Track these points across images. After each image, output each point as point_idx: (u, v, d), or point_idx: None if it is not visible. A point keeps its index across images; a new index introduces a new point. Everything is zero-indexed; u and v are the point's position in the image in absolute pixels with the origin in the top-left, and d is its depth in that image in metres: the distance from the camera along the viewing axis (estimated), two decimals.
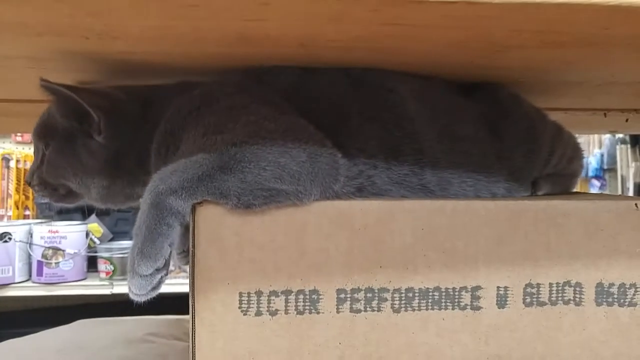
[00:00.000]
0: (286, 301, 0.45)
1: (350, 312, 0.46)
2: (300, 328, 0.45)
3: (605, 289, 0.47)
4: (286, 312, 0.45)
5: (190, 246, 0.45)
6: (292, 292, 0.45)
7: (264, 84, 0.50)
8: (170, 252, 0.43)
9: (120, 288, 1.97)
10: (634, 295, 0.47)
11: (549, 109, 0.66)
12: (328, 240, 0.45)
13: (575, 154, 0.64)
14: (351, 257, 0.46)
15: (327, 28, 0.35)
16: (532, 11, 0.30)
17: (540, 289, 0.47)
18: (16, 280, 1.93)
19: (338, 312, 0.46)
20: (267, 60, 0.47)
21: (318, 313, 0.45)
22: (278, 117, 0.46)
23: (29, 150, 2.40)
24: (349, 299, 0.46)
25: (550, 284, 0.47)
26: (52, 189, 0.54)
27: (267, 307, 0.45)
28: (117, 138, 0.51)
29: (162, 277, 0.43)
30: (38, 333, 0.93)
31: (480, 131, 0.55)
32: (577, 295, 0.47)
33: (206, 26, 0.35)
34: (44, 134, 0.53)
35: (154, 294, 0.43)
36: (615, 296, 0.47)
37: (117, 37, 0.38)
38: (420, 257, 0.46)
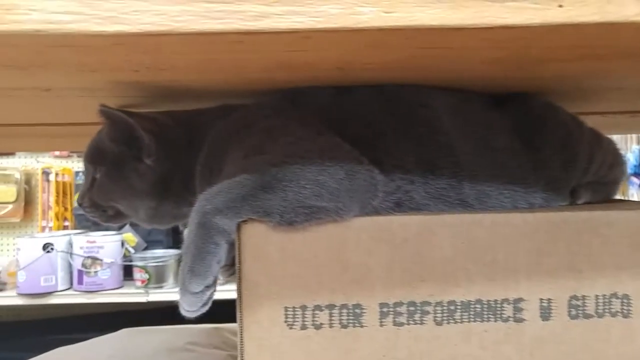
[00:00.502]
0: (330, 315, 0.46)
1: (393, 325, 0.47)
2: (345, 341, 0.46)
3: None
4: (330, 325, 0.46)
5: (237, 262, 0.46)
6: (336, 306, 0.46)
7: (299, 105, 0.52)
8: (218, 269, 0.45)
9: (155, 296, 2.02)
10: None
11: (585, 114, 0.65)
12: (369, 255, 0.46)
13: (616, 160, 0.63)
14: (392, 272, 0.46)
15: (364, 53, 0.37)
16: (570, 31, 0.31)
17: (586, 301, 0.47)
18: (59, 289, 2.00)
19: (381, 325, 0.47)
20: (305, 82, 0.48)
21: (362, 327, 0.46)
22: (315, 137, 0.48)
23: (67, 164, 2.49)
24: (391, 312, 0.47)
25: (597, 296, 0.47)
26: (102, 210, 0.57)
27: (312, 321, 0.46)
28: (164, 161, 0.54)
29: (211, 294, 0.45)
30: (86, 342, 0.97)
31: (515, 142, 0.55)
32: (625, 307, 0.47)
33: (250, 57, 0.37)
34: (95, 159, 0.56)
35: (204, 310, 0.45)
36: None
37: (164, 69, 0.41)
38: (461, 270, 0.47)
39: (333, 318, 0.46)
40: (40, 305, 1.99)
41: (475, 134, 0.53)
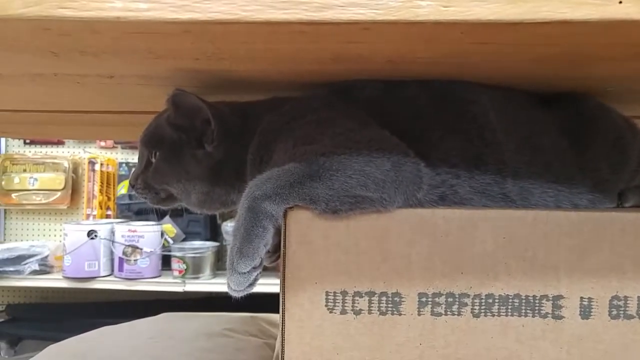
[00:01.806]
0: (369, 302, 0.48)
1: (431, 315, 0.48)
2: (383, 328, 0.48)
3: None
4: (369, 312, 0.48)
5: (282, 247, 0.48)
6: (376, 293, 0.48)
7: (348, 98, 0.53)
8: (265, 251, 0.47)
9: (192, 286, 2.08)
10: None
11: (638, 117, 0.64)
12: (410, 246, 0.47)
13: None
14: (432, 263, 0.47)
15: (418, 47, 0.38)
16: (628, 28, 0.31)
17: (628, 302, 0.47)
18: (101, 274, 2.08)
19: (419, 314, 0.48)
20: (354, 75, 0.50)
21: (400, 314, 0.48)
22: (362, 129, 0.49)
23: (111, 155, 2.58)
24: (430, 302, 0.48)
25: (639, 297, 0.47)
26: (155, 192, 0.60)
27: (352, 306, 0.48)
28: (221, 148, 0.56)
29: (257, 275, 0.47)
30: (127, 323, 1.01)
31: (562, 142, 0.55)
32: None
33: (307, 48, 0.39)
34: (152, 143, 0.59)
35: (250, 290, 0.47)
36: None
37: (224, 58, 0.43)
38: (501, 265, 0.47)
39: (372, 305, 0.48)
40: (84, 289, 2.08)
41: (521, 132, 0.54)
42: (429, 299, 0.48)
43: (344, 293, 0.48)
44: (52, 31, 0.35)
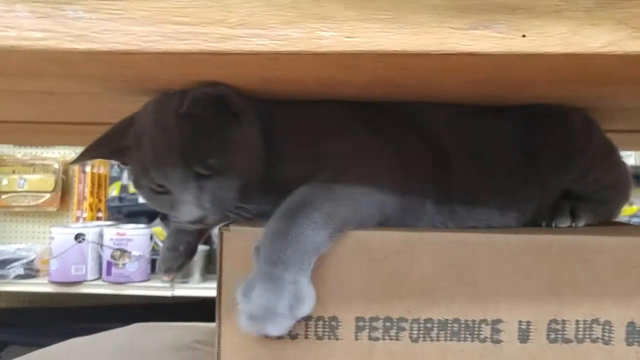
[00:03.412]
0: (306, 326, 0.47)
1: (368, 339, 0.47)
2: (319, 353, 0.47)
3: (637, 328, 0.45)
4: (306, 336, 0.47)
5: (218, 270, 0.48)
6: (312, 317, 0.47)
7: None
8: None
9: (180, 291, 2.07)
10: None
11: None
12: (347, 269, 0.47)
13: (618, 183, 0.62)
14: (370, 286, 0.47)
15: (339, 74, 0.37)
16: (533, 59, 0.31)
17: (566, 325, 0.46)
18: (88, 278, 2.07)
19: (357, 339, 0.47)
20: (290, 95, 0.49)
21: (337, 339, 0.47)
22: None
23: None
24: (367, 326, 0.47)
25: (577, 321, 0.46)
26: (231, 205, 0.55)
27: (288, 331, 0.47)
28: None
29: None
30: (97, 334, 1.01)
31: (513, 150, 0.56)
32: (607, 334, 0.46)
33: (222, 73, 0.39)
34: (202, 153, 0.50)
35: None
36: None
37: (149, 80, 0.43)
38: (439, 289, 0.47)
39: (309, 329, 0.47)
40: (70, 293, 2.07)
41: (469, 145, 0.55)
42: (367, 323, 0.47)
43: None
44: None
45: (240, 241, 0.47)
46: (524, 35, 0.30)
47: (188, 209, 0.47)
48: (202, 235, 0.63)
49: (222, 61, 0.34)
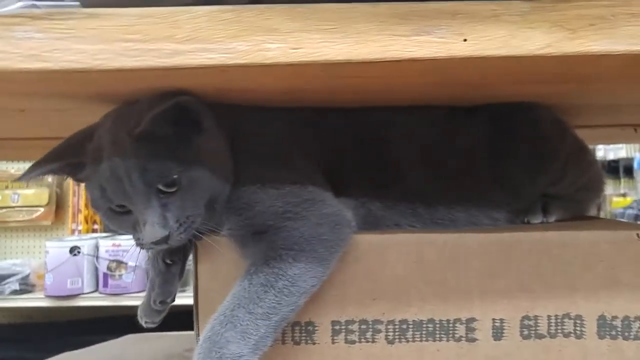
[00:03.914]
0: (283, 332, 0.47)
1: (345, 343, 0.47)
2: (297, 357, 0.47)
3: (608, 321, 0.46)
4: (283, 342, 0.47)
5: (194, 280, 0.49)
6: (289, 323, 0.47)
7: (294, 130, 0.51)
8: None
9: (178, 299, 2.06)
10: (639, 328, 0.45)
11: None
12: None
13: (591, 184, 0.61)
14: (344, 290, 0.47)
15: (294, 82, 0.38)
16: (477, 62, 0.31)
17: (539, 321, 0.46)
18: (85, 291, 2.07)
19: (333, 342, 0.47)
20: (257, 102, 0.49)
21: (314, 344, 0.47)
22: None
23: None
24: (343, 330, 0.47)
25: (549, 317, 0.46)
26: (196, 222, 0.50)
27: None
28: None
29: None
30: (90, 347, 1.01)
31: (480, 154, 0.55)
32: (578, 328, 0.46)
33: (183, 84, 0.39)
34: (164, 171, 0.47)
35: None
36: (619, 329, 0.46)
37: (111, 94, 0.43)
38: (413, 289, 0.47)
39: (286, 335, 0.47)
40: (67, 307, 2.06)
41: (432, 151, 0.54)
42: (343, 327, 0.47)
43: None
44: None
45: (215, 250, 0.47)
46: (465, 40, 0.30)
47: (151, 230, 0.43)
48: (179, 279, 0.61)
49: (176, 75, 0.35)
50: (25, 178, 0.46)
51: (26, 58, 0.31)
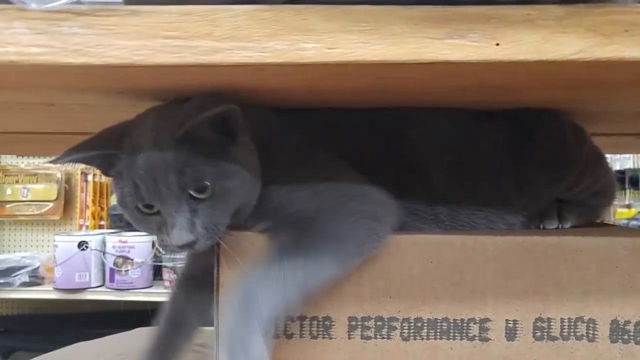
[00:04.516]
0: (301, 326, 0.48)
1: (361, 338, 0.48)
2: (314, 351, 0.48)
3: (621, 326, 0.47)
4: (301, 336, 0.48)
5: (215, 274, 0.49)
6: (307, 317, 0.48)
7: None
8: None
9: None
10: None
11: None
12: None
13: (604, 190, 0.62)
14: (361, 287, 0.48)
15: (324, 82, 0.39)
16: (508, 66, 0.32)
17: (552, 323, 0.47)
18: (92, 285, 2.09)
19: (349, 337, 0.48)
20: (283, 103, 0.50)
21: (331, 338, 0.48)
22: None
23: None
24: (359, 326, 0.48)
25: (562, 319, 0.47)
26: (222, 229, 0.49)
27: (284, 330, 0.48)
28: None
29: None
30: (101, 338, 1.02)
31: (501, 158, 0.56)
32: (591, 332, 0.47)
33: (217, 82, 0.40)
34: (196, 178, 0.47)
35: None
36: (632, 334, 0.46)
37: (147, 90, 0.44)
38: (428, 289, 0.48)
39: (304, 329, 0.48)
40: (75, 300, 2.09)
41: (454, 155, 0.55)
42: (359, 323, 0.48)
43: None
44: None
45: (237, 249, 0.48)
46: (497, 44, 0.31)
47: (179, 234, 0.44)
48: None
49: (212, 72, 0.36)
50: (59, 161, 0.46)
51: (71, 53, 0.32)
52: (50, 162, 0.46)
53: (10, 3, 0.31)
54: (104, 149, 0.46)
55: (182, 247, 0.45)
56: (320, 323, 0.48)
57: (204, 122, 0.41)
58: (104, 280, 2.15)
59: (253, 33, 0.32)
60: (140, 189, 0.44)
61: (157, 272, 2.21)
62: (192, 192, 0.44)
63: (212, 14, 0.32)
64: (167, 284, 2.14)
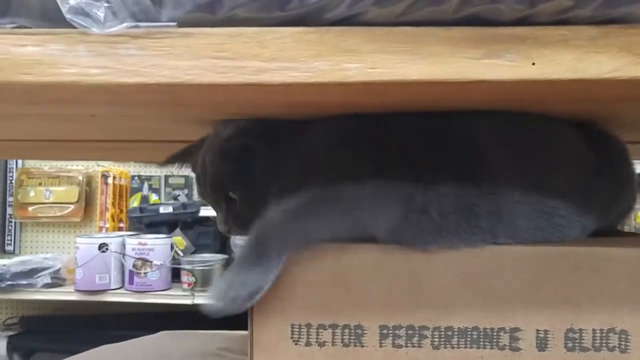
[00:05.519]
0: (333, 334, 0.49)
1: (392, 346, 0.49)
2: (346, 359, 0.49)
3: None
4: (333, 344, 0.49)
5: None
6: (339, 326, 0.49)
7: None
8: None
9: (201, 299, 2.11)
10: None
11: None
12: (371, 280, 0.49)
13: (634, 204, 0.61)
14: (392, 296, 0.49)
15: (361, 97, 0.40)
16: (544, 85, 0.33)
17: (583, 334, 0.48)
18: (112, 287, 2.13)
19: (381, 346, 0.49)
20: (317, 115, 0.51)
21: (362, 346, 0.49)
22: None
23: (124, 168, 2.64)
24: (391, 334, 0.49)
25: (594, 330, 0.48)
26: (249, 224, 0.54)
27: (316, 338, 0.50)
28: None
29: None
30: (127, 341, 1.04)
31: (577, 170, 0.52)
32: (623, 343, 0.47)
33: (262, 98, 0.41)
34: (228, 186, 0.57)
35: None
36: None
37: (184, 105, 0.46)
38: (458, 298, 0.49)
39: (336, 337, 0.49)
40: (95, 301, 2.12)
41: (526, 174, 0.50)
42: (390, 331, 0.49)
43: (308, 326, 0.50)
44: (17, 91, 0.38)
45: None
46: (533, 63, 0.32)
47: (219, 224, 0.60)
48: None
49: (255, 90, 0.37)
50: (164, 164, 0.65)
51: (126, 73, 0.34)
52: (159, 164, 0.67)
53: (74, 27, 0.33)
54: (192, 153, 0.62)
55: (223, 232, 0.60)
56: (352, 331, 0.50)
57: (233, 146, 0.55)
58: (123, 283, 2.18)
59: (299, 54, 0.33)
60: (200, 185, 0.61)
61: (175, 275, 2.24)
62: (227, 194, 0.58)
63: (260, 35, 0.33)
64: (185, 286, 2.17)
